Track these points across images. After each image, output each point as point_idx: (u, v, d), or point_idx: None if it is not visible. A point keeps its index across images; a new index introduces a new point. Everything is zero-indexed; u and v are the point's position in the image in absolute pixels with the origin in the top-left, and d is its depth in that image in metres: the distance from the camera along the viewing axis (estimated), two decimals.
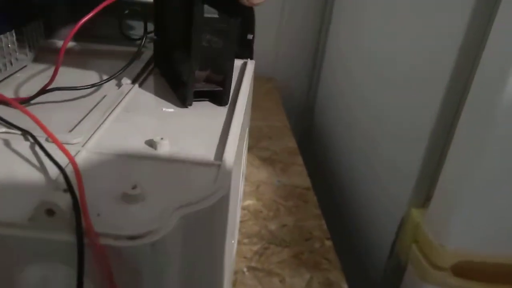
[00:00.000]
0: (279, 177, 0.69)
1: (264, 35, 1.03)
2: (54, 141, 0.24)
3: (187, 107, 0.34)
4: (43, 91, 0.30)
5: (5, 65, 0.36)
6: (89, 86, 0.32)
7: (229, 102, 0.34)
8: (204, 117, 0.33)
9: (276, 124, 0.84)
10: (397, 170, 0.59)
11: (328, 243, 0.56)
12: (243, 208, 0.61)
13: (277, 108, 0.90)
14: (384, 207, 0.63)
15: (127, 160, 0.26)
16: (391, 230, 0.58)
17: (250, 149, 0.75)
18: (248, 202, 0.62)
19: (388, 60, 0.65)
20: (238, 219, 0.44)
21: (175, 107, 0.34)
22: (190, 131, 0.30)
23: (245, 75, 0.39)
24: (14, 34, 0.37)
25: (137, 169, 0.26)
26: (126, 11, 0.41)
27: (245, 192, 0.64)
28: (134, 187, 0.23)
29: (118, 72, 0.35)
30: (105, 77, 0.37)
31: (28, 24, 0.40)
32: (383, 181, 0.64)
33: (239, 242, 0.54)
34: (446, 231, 0.48)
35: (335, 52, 0.92)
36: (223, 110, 0.33)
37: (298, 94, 1.05)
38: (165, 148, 0.28)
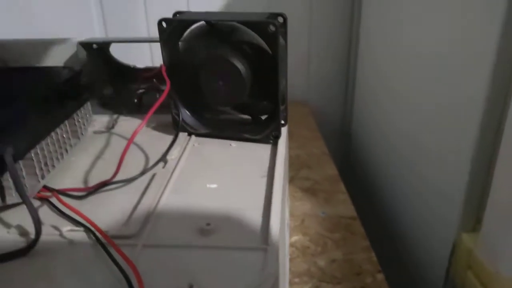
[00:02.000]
0: (323, 208, 0.69)
1: (295, 59, 1.05)
2: (113, 245, 0.27)
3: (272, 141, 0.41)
4: (103, 184, 0.33)
5: (61, 154, 0.39)
6: (139, 175, 0.35)
7: (267, 173, 0.36)
8: (244, 191, 0.34)
9: (315, 151, 0.84)
10: (443, 194, 0.59)
11: (380, 276, 0.56)
12: (291, 245, 0.62)
13: (313, 134, 0.89)
14: (434, 233, 0.62)
15: (179, 251, 0.29)
16: (444, 257, 0.57)
17: (290, 180, 0.76)
18: (295, 238, 0.63)
19: (424, 80, 0.65)
20: (287, 267, 0.46)
21: (217, 181, 0.36)
22: (234, 210, 0.32)
23: (279, 144, 0.40)
24: (67, 124, 0.40)
25: (190, 260, 0.28)
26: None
27: (291, 227, 0.65)
28: (190, 287, 0.25)
29: (164, 154, 0.38)
30: (152, 155, 0.40)
31: (78, 109, 0.43)
32: (430, 205, 0.63)
33: (289, 283, 0.55)
34: (500, 257, 0.47)
35: (367, 72, 0.91)
36: (262, 181, 0.35)
37: (333, 118, 1.05)
38: (212, 235, 0.30)
